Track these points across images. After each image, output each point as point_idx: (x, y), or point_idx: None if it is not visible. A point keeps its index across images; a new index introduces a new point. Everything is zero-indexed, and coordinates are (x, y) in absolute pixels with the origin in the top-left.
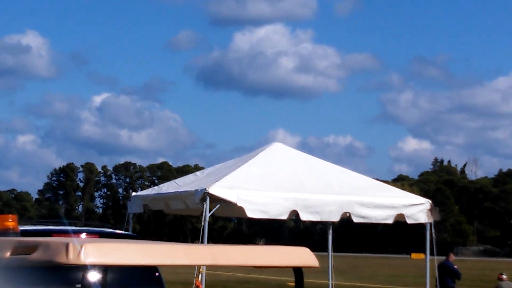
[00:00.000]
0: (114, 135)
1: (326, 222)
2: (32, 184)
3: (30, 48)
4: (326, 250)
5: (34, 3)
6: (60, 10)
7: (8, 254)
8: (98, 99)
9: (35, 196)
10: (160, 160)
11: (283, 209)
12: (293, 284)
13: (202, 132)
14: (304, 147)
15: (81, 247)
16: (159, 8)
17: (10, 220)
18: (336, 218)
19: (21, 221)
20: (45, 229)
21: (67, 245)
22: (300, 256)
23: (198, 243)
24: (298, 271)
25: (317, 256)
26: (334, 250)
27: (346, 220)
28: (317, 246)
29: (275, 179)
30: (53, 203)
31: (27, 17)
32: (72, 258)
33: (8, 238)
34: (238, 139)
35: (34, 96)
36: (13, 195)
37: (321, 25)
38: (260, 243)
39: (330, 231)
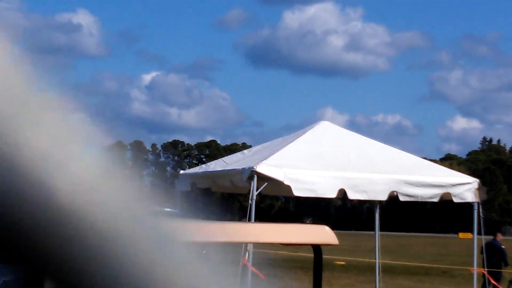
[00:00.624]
0: (163, 113)
1: (374, 201)
2: None
3: (80, 26)
4: (373, 229)
5: None
6: None
7: None
8: (147, 78)
9: None
10: (208, 138)
11: (330, 187)
12: (342, 263)
13: (251, 111)
14: (352, 125)
15: None
16: None
17: None
18: (383, 197)
19: None
20: None
21: None
22: (319, 234)
23: (245, 221)
24: (316, 248)
25: (364, 235)
26: (381, 229)
27: (393, 199)
28: (364, 225)
29: (322, 158)
30: None
31: None
32: None
33: None
34: (286, 117)
35: (84, 75)
36: None
37: (370, 3)
38: (308, 221)
39: (377, 210)
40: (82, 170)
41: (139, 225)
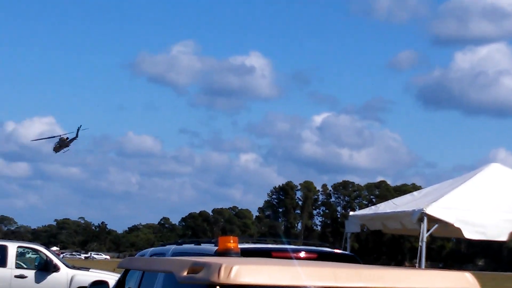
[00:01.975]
0: (334, 154)
1: None
2: (253, 201)
3: (253, 68)
4: None
5: (258, 25)
6: (282, 31)
7: (185, 272)
8: (318, 119)
9: (255, 213)
10: (378, 178)
11: (501, 230)
12: None
13: (422, 151)
14: None
15: (231, 268)
16: (380, 28)
17: (232, 241)
18: None
19: (242, 239)
20: (264, 247)
21: (220, 266)
22: (461, 281)
23: (416, 262)
24: None
25: None
26: None
27: None
28: None
29: (493, 200)
30: (273, 221)
31: (251, 39)
32: (222, 278)
33: (185, 258)
34: (458, 158)
35: (256, 116)
36: (234, 212)
37: None
38: (480, 264)
39: None
40: None
41: None
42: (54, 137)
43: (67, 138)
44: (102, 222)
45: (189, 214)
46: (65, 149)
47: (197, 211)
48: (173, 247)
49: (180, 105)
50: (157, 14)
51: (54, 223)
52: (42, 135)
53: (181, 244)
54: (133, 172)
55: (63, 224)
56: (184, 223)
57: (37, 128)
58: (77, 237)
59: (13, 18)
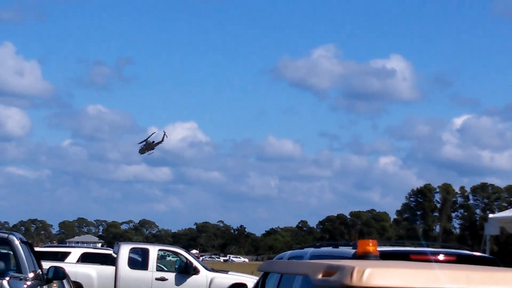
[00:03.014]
0: (474, 156)
1: None
2: (391, 204)
3: (394, 72)
4: None
5: (398, 28)
6: (422, 33)
7: (320, 275)
8: (458, 121)
9: (393, 216)
10: None
11: None
12: None
13: None
14: None
15: (364, 271)
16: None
17: (371, 244)
18: None
19: (380, 242)
20: (403, 250)
21: (353, 269)
22: None
23: None
24: None
25: None
26: None
27: None
28: None
29: None
30: (411, 223)
31: (391, 41)
32: (355, 281)
33: (321, 261)
34: None
35: (396, 119)
36: (371, 215)
37: None
38: None
39: None
40: None
41: None
42: (145, 141)
43: (153, 141)
44: (241, 226)
45: (327, 217)
46: (150, 151)
47: (335, 214)
48: (311, 250)
49: (320, 109)
50: (298, 18)
51: (194, 227)
52: (185, 140)
53: (319, 247)
54: (272, 175)
55: (202, 228)
56: (321, 226)
57: (180, 133)
58: (216, 240)
59: (156, 24)
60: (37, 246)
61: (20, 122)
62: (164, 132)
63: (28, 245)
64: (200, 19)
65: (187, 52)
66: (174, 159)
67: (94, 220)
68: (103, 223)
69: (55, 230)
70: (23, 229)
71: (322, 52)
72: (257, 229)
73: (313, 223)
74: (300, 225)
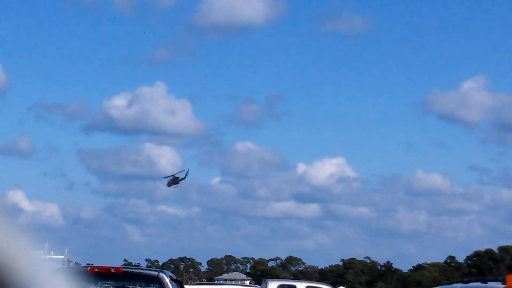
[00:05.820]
0: None
1: None
2: None
3: None
4: None
5: None
6: None
7: None
8: None
9: None
10: None
11: None
12: None
13: None
14: None
15: None
16: None
17: None
18: None
19: None
20: None
21: None
22: None
23: None
24: None
25: None
26: None
27: None
28: None
29: None
30: None
31: None
32: None
33: None
34: None
35: None
36: None
37: None
38: None
39: None
40: None
41: None
42: (172, 176)
43: (178, 177)
44: (388, 261)
45: (475, 252)
46: (175, 185)
47: (483, 249)
48: (459, 285)
49: (470, 142)
50: (447, 51)
51: (341, 263)
52: (333, 177)
53: (467, 283)
54: (421, 210)
55: (349, 264)
56: (469, 262)
57: (327, 169)
58: (363, 277)
59: (302, 62)
60: (187, 284)
61: (171, 160)
62: (188, 170)
63: (178, 282)
64: (348, 56)
65: (336, 89)
66: (324, 195)
67: (242, 258)
68: (251, 260)
69: (203, 267)
70: (173, 266)
71: (472, 84)
72: (404, 265)
73: (461, 258)
74: (448, 260)
